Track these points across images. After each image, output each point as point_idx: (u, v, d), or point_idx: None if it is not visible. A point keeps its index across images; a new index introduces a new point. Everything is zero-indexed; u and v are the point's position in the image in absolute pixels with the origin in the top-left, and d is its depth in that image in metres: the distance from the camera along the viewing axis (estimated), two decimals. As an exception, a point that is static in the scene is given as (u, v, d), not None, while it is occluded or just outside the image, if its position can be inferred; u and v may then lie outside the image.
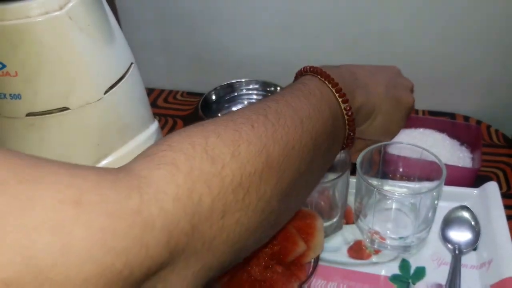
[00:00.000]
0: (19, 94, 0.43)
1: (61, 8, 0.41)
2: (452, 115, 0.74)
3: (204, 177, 0.24)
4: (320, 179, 0.39)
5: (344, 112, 0.39)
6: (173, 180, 0.23)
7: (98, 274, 0.18)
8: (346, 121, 0.39)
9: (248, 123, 0.29)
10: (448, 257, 0.50)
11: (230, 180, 0.26)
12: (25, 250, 0.17)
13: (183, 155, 0.25)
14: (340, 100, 0.38)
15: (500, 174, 0.61)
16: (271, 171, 0.28)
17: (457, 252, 0.49)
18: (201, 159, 0.25)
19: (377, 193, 0.47)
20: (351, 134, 0.40)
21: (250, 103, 0.75)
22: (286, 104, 0.33)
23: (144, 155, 0.25)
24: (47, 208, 0.18)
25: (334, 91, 0.38)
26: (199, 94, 0.76)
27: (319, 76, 0.39)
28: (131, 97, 0.52)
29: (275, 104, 0.33)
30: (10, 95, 0.43)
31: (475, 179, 0.57)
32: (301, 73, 0.41)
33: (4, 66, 0.41)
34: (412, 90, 0.49)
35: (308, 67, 0.41)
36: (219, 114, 0.74)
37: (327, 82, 0.38)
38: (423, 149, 0.50)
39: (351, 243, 0.52)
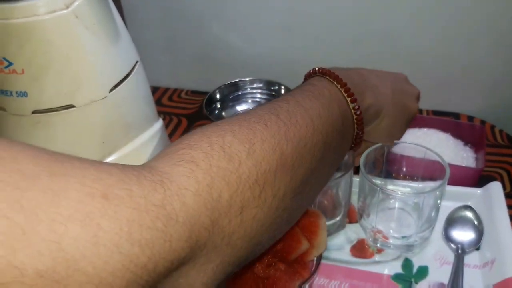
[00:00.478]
0: (25, 92, 0.43)
1: (67, 7, 0.41)
2: (456, 115, 0.74)
3: (222, 173, 0.25)
4: (330, 177, 0.40)
5: (353, 111, 0.40)
6: (193, 176, 0.24)
7: (124, 266, 0.19)
8: (355, 120, 0.40)
9: (261, 122, 0.30)
10: (451, 257, 0.50)
11: (247, 177, 0.26)
12: (56, 242, 0.17)
13: (201, 153, 0.26)
14: (348, 99, 0.39)
15: (504, 174, 0.61)
16: (285, 168, 0.29)
17: (460, 251, 0.49)
18: (219, 157, 0.26)
19: (380, 192, 0.48)
20: (360, 133, 0.41)
21: (255, 102, 0.75)
22: (297, 103, 0.34)
23: (164, 154, 0.26)
24: (76, 201, 0.18)
25: (342, 91, 0.39)
26: (204, 93, 0.77)
27: (327, 77, 0.40)
28: (136, 96, 0.52)
29: (286, 104, 0.34)
30: (16, 92, 0.43)
31: (478, 179, 0.57)
32: (310, 75, 0.42)
33: (11, 63, 0.41)
34: (418, 98, 0.50)
35: (316, 69, 0.42)
36: (223, 113, 0.75)
37: (335, 83, 0.39)
38: (427, 148, 0.50)
39: (354, 242, 0.53)
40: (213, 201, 0.24)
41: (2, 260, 0.16)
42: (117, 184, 0.20)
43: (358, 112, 0.40)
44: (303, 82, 0.42)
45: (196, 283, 0.25)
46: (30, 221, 0.17)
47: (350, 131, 0.40)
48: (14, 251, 0.16)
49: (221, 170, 0.25)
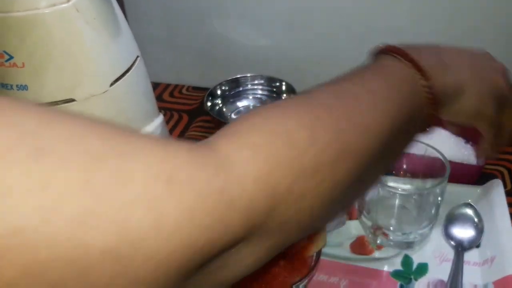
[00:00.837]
0: (26, 85, 0.43)
1: (68, 1, 0.41)
2: (457, 113, 0.73)
3: (284, 161, 0.25)
4: (393, 163, 0.39)
5: (426, 90, 0.36)
6: (254, 163, 0.24)
7: (183, 249, 0.20)
8: (429, 100, 0.37)
9: (325, 107, 0.29)
10: (450, 254, 0.50)
11: (308, 165, 0.26)
12: (121, 223, 0.18)
13: (263, 138, 0.25)
14: (421, 78, 0.36)
15: (505, 172, 0.61)
16: (348, 156, 0.28)
17: (460, 249, 0.49)
18: (282, 143, 0.25)
19: (380, 189, 0.47)
20: (434, 115, 0.38)
21: (256, 99, 0.75)
22: (363, 86, 0.32)
23: (227, 133, 0.26)
24: (142, 184, 0.19)
25: (414, 68, 0.36)
26: (205, 89, 0.77)
27: (396, 55, 0.37)
28: (137, 90, 0.52)
29: (351, 86, 0.32)
30: (17, 86, 0.43)
31: (479, 177, 0.57)
32: (376, 52, 0.39)
33: (11, 57, 0.41)
34: (504, 73, 0.45)
35: (385, 46, 0.38)
36: (224, 109, 0.74)
37: (406, 61, 0.36)
38: (428, 145, 0.50)
39: (354, 239, 0.53)
40: (272, 188, 0.24)
41: (73, 238, 0.17)
42: (182, 167, 0.21)
43: (432, 91, 0.36)
44: (371, 60, 0.40)
45: (248, 260, 0.25)
46: (99, 202, 0.17)
47: (423, 113, 0.37)
48: (84, 231, 0.17)
49: (283, 158, 0.25)
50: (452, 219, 0.52)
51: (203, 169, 0.21)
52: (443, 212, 0.52)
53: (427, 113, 0.37)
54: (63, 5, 0.41)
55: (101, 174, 0.18)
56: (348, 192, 0.30)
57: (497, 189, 0.53)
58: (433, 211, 0.49)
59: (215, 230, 0.21)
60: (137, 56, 0.52)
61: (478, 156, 0.54)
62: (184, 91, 0.84)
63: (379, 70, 0.35)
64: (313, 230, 0.31)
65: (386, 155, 0.33)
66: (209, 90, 0.73)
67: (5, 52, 0.41)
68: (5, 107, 0.18)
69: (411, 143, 0.38)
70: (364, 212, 0.52)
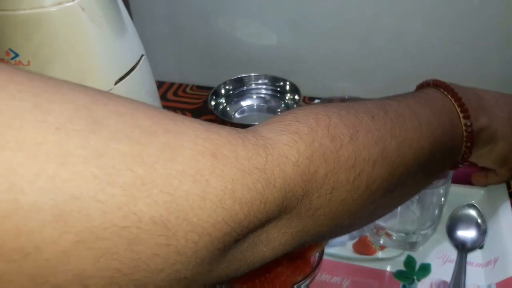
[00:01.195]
0: (31, 83, 0.43)
1: (74, -1, 0.41)
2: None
3: (323, 150, 0.26)
4: (423, 188, 0.39)
5: (464, 128, 0.37)
6: (295, 147, 0.25)
7: (224, 220, 0.21)
8: (465, 138, 0.38)
9: (368, 114, 0.30)
10: (453, 255, 0.50)
11: (345, 160, 0.27)
12: (170, 194, 0.19)
13: (306, 127, 0.26)
14: (461, 115, 0.37)
15: (509, 173, 0.61)
16: (384, 162, 0.29)
17: (463, 250, 0.49)
18: (323, 134, 0.26)
19: (383, 189, 0.47)
20: (468, 153, 0.39)
21: (259, 98, 0.75)
22: (407, 105, 0.34)
23: (270, 121, 0.27)
24: (189, 158, 0.20)
25: (456, 105, 0.37)
26: (209, 88, 0.77)
27: (442, 89, 0.39)
28: (141, 89, 0.52)
29: (396, 104, 0.33)
30: (22, 84, 0.43)
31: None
32: (423, 85, 0.41)
33: (17, 55, 0.42)
34: None
35: (431, 81, 0.40)
36: (228, 108, 0.75)
37: (449, 96, 0.38)
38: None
39: (357, 238, 0.53)
40: (309, 174, 0.25)
41: (125, 207, 0.17)
42: (225, 145, 0.22)
43: (469, 129, 0.37)
44: (415, 90, 0.41)
45: (275, 241, 0.26)
46: (150, 173, 0.18)
47: (458, 147, 0.38)
48: (135, 200, 0.18)
49: (322, 147, 0.26)
50: (455, 220, 0.52)
51: (244, 148, 0.22)
52: (446, 213, 0.52)
53: (461, 150, 0.38)
54: (69, 4, 0.41)
55: (151, 147, 0.19)
56: (378, 201, 0.31)
57: (501, 190, 0.53)
58: (436, 212, 0.49)
59: (254, 205, 0.22)
60: (142, 55, 0.52)
61: (476, 183, 0.55)
62: (188, 90, 0.84)
63: (423, 97, 0.36)
64: (340, 228, 0.31)
65: (419, 176, 0.34)
66: (213, 89, 0.73)
67: (11, 50, 0.41)
68: (62, 86, 0.19)
69: (441, 174, 0.40)
70: (367, 212, 0.52)
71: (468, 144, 0.38)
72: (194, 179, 0.20)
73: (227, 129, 0.23)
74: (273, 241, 0.26)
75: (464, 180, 0.55)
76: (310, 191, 0.25)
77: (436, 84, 0.39)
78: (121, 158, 0.18)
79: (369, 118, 0.30)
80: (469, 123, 0.37)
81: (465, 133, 0.37)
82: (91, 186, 0.17)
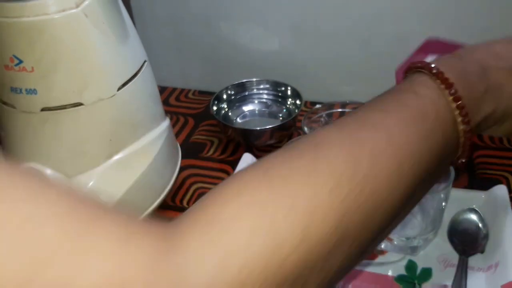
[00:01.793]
0: (35, 89, 0.44)
1: (77, 6, 0.42)
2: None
3: (261, 270, 0.21)
4: (404, 216, 0.32)
5: (461, 134, 0.30)
6: (222, 272, 0.20)
7: None
8: (461, 145, 0.31)
9: (330, 183, 0.24)
10: (455, 259, 0.50)
11: (291, 271, 0.22)
12: None
13: (243, 238, 0.21)
14: (459, 119, 0.30)
15: (510, 177, 0.61)
16: (343, 245, 0.24)
17: (464, 254, 0.49)
18: (263, 244, 0.21)
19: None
20: (464, 156, 0.32)
21: (261, 103, 0.75)
22: (388, 136, 0.27)
23: (201, 222, 0.22)
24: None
25: (454, 107, 0.30)
26: (211, 93, 0.77)
27: (438, 81, 0.30)
28: (144, 95, 0.53)
29: (374, 134, 0.27)
30: (26, 90, 0.44)
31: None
32: (413, 69, 0.32)
33: (21, 61, 0.42)
34: None
35: (425, 64, 0.31)
36: (230, 113, 0.75)
37: (447, 92, 0.30)
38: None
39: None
40: None
41: None
42: (134, 277, 0.18)
43: (468, 136, 0.30)
44: (404, 75, 0.34)
45: None
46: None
47: (451, 157, 0.32)
48: None
49: (261, 265, 0.21)
50: (456, 224, 0.52)
51: (157, 284, 0.19)
52: (447, 217, 0.52)
53: (456, 154, 0.32)
54: (72, 11, 0.42)
55: (51, 271, 0.17)
56: (340, 275, 0.26)
57: (502, 194, 0.53)
58: (437, 216, 0.49)
59: None
60: (145, 61, 0.53)
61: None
62: (190, 95, 0.85)
63: (411, 106, 0.29)
64: None
65: (400, 216, 0.28)
66: (215, 94, 0.74)
67: (14, 56, 0.42)
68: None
69: (429, 189, 0.33)
70: (369, 217, 0.52)
71: (465, 151, 0.32)
72: None
73: (144, 251, 0.19)
74: None
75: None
76: None
77: (432, 72, 0.30)
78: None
79: (326, 195, 0.23)
80: (467, 129, 0.30)
81: (462, 140, 0.31)
82: None
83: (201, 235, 0.21)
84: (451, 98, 0.30)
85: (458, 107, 0.30)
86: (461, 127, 0.30)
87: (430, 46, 0.52)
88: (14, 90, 0.44)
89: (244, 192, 0.23)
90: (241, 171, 0.25)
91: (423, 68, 0.31)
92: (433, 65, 0.31)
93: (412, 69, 0.33)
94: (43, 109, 0.45)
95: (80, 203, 0.19)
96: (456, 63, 0.32)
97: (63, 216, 0.18)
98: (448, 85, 0.30)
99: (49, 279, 0.17)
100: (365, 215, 0.24)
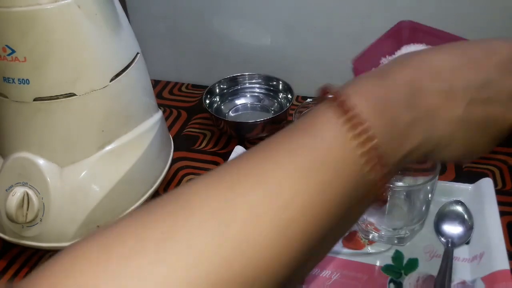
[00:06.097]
0: (27, 79, 0.44)
1: (70, -3, 0.42)
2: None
3: None
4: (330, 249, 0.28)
5: (379, 177, 0.25)
6: None
7: None
8: (377, 188, 0.26)
9: (184, 262, 0.19)
10: (440, 250, 0.51)
11: None
12: None
13: None
14: (370, 167, 0.25)
15: (496, 171, 0.62)
16: None
17: (450, 245, 0.50)
18: None
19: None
20: (384, 198, 0.27)
21: (253, 97, 0.76)
22: (271, 194, 0.22)
23: None
24: None
25: (364, 151, 0.24)
26: (204, 87, 0.78)
27: (346, 121, 0.24)
28: (136, 86, 0.53)
29: (250, 198, 0.22)
30: (18, 79, 0.44)
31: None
32: (324, 95, 0.27)
33: (13, 51, 0.43)
34: None
35: (332, 90, 0.26)
36: (222, 106, 0.76)
37: (356, 132, 0.24)
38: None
39: (346, 233, 0.54)
40: None
41: None
42: None
43: (381, 184, 0.26)
44: (313, 104, 0.30)
45: None
46: None
47: (366, 200, 0.27)
48: None
49: None
50: (443, 215, 0.53)
51: None
52: (434, 209, 0.53)
53: (374, 196, 0.27)
54: (65, 1, 0.42)
55: None
56: None
57: (488, 187, 0.54)
58: (423, 208, 0.50)
59: None
60: (137, 53, 0.53)
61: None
62: (183, 88, 0.85)
63: (306, 154, 0.24)
64: None
65: (302, 268, 0.24)
66: (208, 88, 0.75)
67: (7, 46, 0.42)
68: None
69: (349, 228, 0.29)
70: (357, 208, 0.53)
71: (382, 191, 0.26)
72: None
73: None
74: None
75: None
76: None
77: (337, 100, 0.25)
78: None
79: (177, 276, 0.19)
80: (381, 175, 0.25)
81: (379, 183, 0.25)
82: None
83: None
84: (360, 138, 0.24)
85: (368, 152, 0.24)
86: (373, 175, 0.25)
87: (400, 31, 0.51)
88: (6, 80, 0.45)
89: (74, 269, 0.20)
90: (78, 242, 0.21)
91: (333, 100, 0.26)
92: (342, 98, 0.25)
93: (324, 93, 0.27)
94: (35, 99, 0.45)
95: None
96: (377, 88, 0.26)
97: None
98: (355, 122, 0.24)
99: None
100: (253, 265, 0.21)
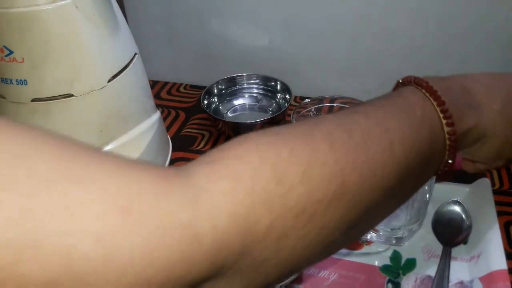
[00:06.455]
0: (25, 80, 0.44)
1: (67, -3, 0.42)
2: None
3: (267, 197, 0.22)
4: (396, 208, 0.34)
5: (447, 136, 0.33)
6: (232, 196, 0.21)
7: (137, 284, 0.18)
8: (447, 147, 0.33)
9: (327, 141, 0.26)
10: (438, 250, 0.51)
11: (294, 204, 0.23)
12: (64, 255, 0.16)
13: (249, 169, 0.23)
14: (444, 122, 0.32)
15: (494, 171, 0.62)
16: (342, 199, 0.25)
17: (447, 245, 0.50)
18: (267, 177, 0.23)
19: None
20: (450, 161, 0.34)
21: (251, 97, 0.76)
22: (378, 121, 0.29)
23: (207, 161, 0.23)
24: (94, 215, 0.17)
25: (439, 110, 0.32)
26: (202, 87, 0.78)
27: (423, 90, 0.33)
28: (134, 87, 0.53)
29: (364, 120, 0.29)
30: (16, 80, 0.44)
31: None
32: (403, 83, 0.36)
33: (11, 52, 0.43)
34: None
35: (412, 78, 0.35)
36: (220, 107, 0.76)
37: (432, 99, 0.32)
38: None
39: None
40: (249, 225, 0.22)
41: (10, 267, 0.16)
42: (143, 196, 0.19)
43: (453, 138, 0.33)
44: (394, 89, 0.37)
45: None
46: (39, 231, 0.16)
47: (438, 158, 0.33)
48: (22, 261, 0.16)
49: (266, 193, 0.22)
50: (440, 216, 0.53)
51: (167, 200, 0.19)
52: (432, 209, 0.53)
53: (443, 158, 0.34)
54: (63, 2, 0.42)
55: (45, 200, 0.17)
56: (342, 236, 0.27)
57: (485, 187, 0.54)
58: (421, 208, 0.50)
59: (177, 267, 0.19)
60: (135, 53, 0.53)
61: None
62: (181, 89, 0.85)
63: (400, 105, 0.32)
64: (294, 272, 0.28)
65: (387, 201, 0.30)
66: (206, 88, 0.75)
67: (5, 47, 0.42)
68: None
69: (418, 189, 0.35)
70: (355, 208, 0.53)
71: (451, 152, 0.34)
72: (96, 239, 0.17)
73: (154, 173, 0.20)
74: None
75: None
76: (251, 244, 0.22)
77: (417, 83, 0.34)
78: (8, 211, 0.16)
79: (326, 148, 0.25)
80: (452, 131, 0.32)
81: (447, 142, 0.33)
82: None
83: (208, 168, 0.22)
84: (435, 103, 0.32)
85: (442, 110, 0.32)
86: (446, 129, 0.32)
87: None
88: (4, 80, 0.45)
89: (248, 141, 0.25)
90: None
91: (410, 81, 0.34)
92: (418, 78, 0.34)
93: (399, 84, 0.36)
94: (33, 100, 0.45)
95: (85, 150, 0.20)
96: (439, 80, 0.34)
97: (52, 152, 0.18)
98: (432, 92, 0.32)
99: (52, 199, 0.17)
100: (361, 177, 0.26)
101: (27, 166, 0.17)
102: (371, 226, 0.33)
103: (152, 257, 0.18)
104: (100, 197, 0.18)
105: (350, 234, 0.28)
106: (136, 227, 0.18)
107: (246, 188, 0.22)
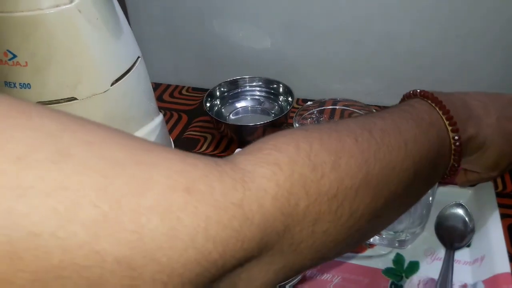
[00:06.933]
0: (28, 84, 0.44)
1: (71, 1, 0.42)
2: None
3: (304, 181, 0.25)
4: (412, 205, 0.38)
5: (452, 141, 0.36)
6: (274, 179, 0.24)
7: (196, 260, 0.19)
8: (453, 151, 0.37)
9: (352, 136, 0.29)
10: (441, 253, 0.51)
11: (327, 189, 0.26)
12: (136, 232, 0.18)
13: (287, 157, 0.25)
14: (450, 128, 0.36)
15: (497, 173, 0.62)
16: (368, 188, 0.28)
17: (450, 248, 0.50)
18: (303, 164, 0.25)
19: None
20: (456, 165, 0.38)
21: (254, 100, 0.76)
22: (393, 123, 0.32)
23: (248, 151, 0.26)
24: (159, 193, 0.19)
25: (444, 118, 0.36)
26: (204, 90, 0.78)
27: (429, 101, 0.37)
28: (137, 90, 0.53)
29: (381, 122, 0.32)
30: (20, 84, 0.44)
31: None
32: (409, 96, 0.40)
33: (15, 56, 0.43)
34: None
35: (418, 91, 0.39)
36: (223, 110, 0.76)
37: (437, 108, 0.36)
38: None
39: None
40: (290, 207, 0.24)
41: (86, 245, 0.16)
42: (200, 178, 0.21)
43: (458, 143, 0.36)
44: (400, 101, 0.40)
45: (256, 281, 0.25)
46: (114, 210, 0.17)
47: (445, 161, 0.37)
48: (98, 238, 0.17)
49: (303, 178, 0.25)
50: (443, 218, 0.53)
51: (221, 181, 0.21)
52: (435, 212, 0.53)
53: (450, 162, 0.37)
54: (66, 6, 0.42)
55: (118, 180, 0.18)
56: (364, 227, 0.29)
57: (488, 190, 0.54)
58: (424, 211, 0.50)
59: (230, 244, 0.21)
60: (138, 57, 0.53)
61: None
62: (184, 91, 0.85)
63: (409, 112, 0.35)
64: (324, 259, 0.30)
65: (405, 195, 0.33)
66: (208, 91, 0.75)
67: (8, 51, 0.43)
68: (30, 110, 0.18)
69: (429, 189, 0.39)
70: (358, 211, 0.53)
71: (457, 157, 0.37)
72: (163, 216, 0.18)
73: (205, 160, 0.22)
74: (254, 280, 0.24)
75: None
76: (292, 225, 0.24)
77: (423, 95, 0.38)
78: (85, 192, 0.17)
79: (352, 141, 0.28)
80: (457, 137, 0.36)
81: (453, 146, 0.36)
82: (50, 222, 0.16)
83: (251, 156, 0.25)
84: (441, 111, 0.36)
85: (447, 118, 0.36)
86: (452, 134, 0.36)
87: None
88: (8, 84, 0.45)
89: (282, 135, 0.28)
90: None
91: (416, 94, 0.39)
92: (423, 91, 0.38)
93: (405, 97, 0.40)
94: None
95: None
96: (441, 93, 0.38)
97: (120, 140, 0.20)
98: (437, 102, 0.36)
99: (126, 179, 0.18)
100: (383, 169, 0.29)
101: (100, 151, 0.18)
102: (390, 220, 0.35)
103: (210, 233, 0.20)
104: (164, 178, 0.19)
105: (374, 224, 0.31)
106: (196, 205, 0.20)
107: (285, 173, 0.24)
